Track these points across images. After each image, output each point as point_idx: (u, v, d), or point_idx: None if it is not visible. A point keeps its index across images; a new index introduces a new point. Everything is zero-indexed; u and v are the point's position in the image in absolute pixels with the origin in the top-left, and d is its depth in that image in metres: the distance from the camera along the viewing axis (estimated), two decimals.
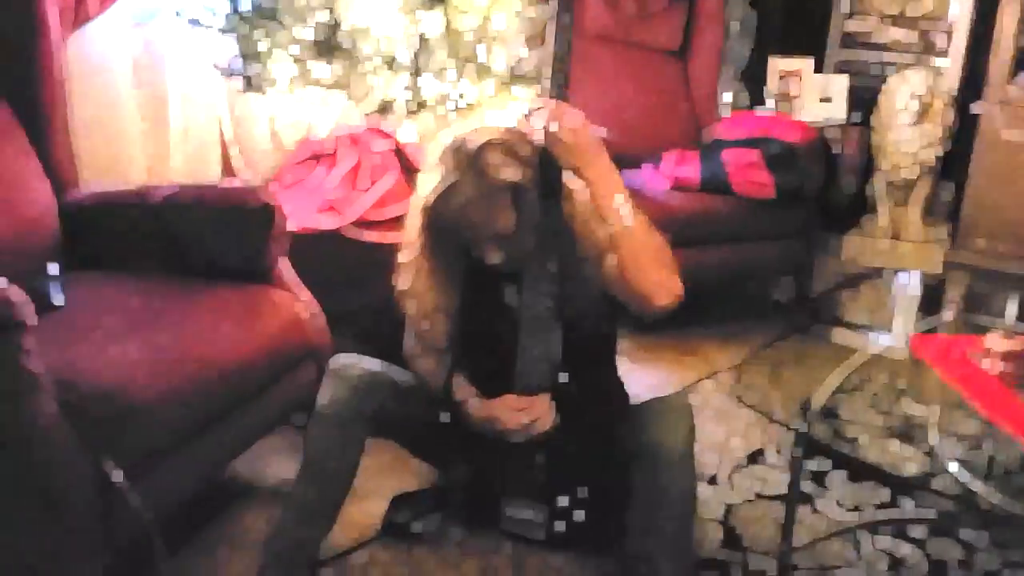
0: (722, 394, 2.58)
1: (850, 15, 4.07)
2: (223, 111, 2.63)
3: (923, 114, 3.57)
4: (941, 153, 3.60)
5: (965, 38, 3.79)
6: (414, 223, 1.70)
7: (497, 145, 1.59)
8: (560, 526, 1.71)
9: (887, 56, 3.99)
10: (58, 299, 1.70)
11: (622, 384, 1.89)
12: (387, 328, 1.86)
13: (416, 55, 2.10)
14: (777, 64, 3.81)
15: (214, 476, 1.86)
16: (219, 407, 1.65)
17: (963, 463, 1.66)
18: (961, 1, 3.79)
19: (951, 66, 3.82)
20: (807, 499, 2.03)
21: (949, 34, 3.85)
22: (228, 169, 2.68)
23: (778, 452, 2.25)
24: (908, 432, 1.90)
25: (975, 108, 3.64)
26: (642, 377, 2.60)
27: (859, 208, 3.90)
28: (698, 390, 2.59)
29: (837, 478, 2.12)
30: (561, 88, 1.53)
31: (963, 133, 3.65)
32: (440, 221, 1.64)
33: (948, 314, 2.49)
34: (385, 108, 2.14)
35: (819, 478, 2.11)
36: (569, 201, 1.66)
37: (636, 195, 2.78)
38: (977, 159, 3.67)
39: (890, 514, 2.00)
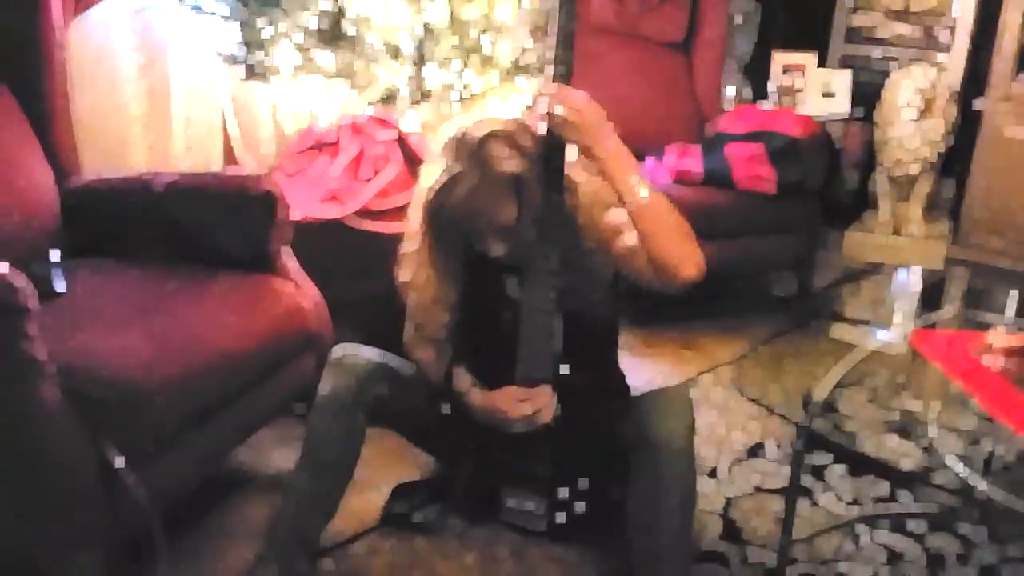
0: (722, 388, 2.59)
1: (854, 10, 4.06)
2: (225, 99, 2.62)
3: (926, 110, 3.57)
4: (943, 149, 3.60)
5: (969, 34, 3.79)
6: (417, 214, 1.69)
7: (500, 137, 1.59)
8: (560, 517, 1.72)
9: (890, 51, 3.99)
10: (59, 285, 1.70)
11: (623, 376, 1.89)
12: (388, 318, 1.86)
13: (420, 44, 2.09)
14: (780, 58, 3.81)
15: (216, 465, 1.86)
16: (221, 395, 1.65)
17: (962, 458, 1.66)
18: None
19: (954, 62, 3.81)
20: (806, 492, 2.04)
21: (952, 30, 3.85)
22: (230, 158, 2.68)
23: (778, 446, 2.25)
24: (907, 428, 1.90)
25: (978, 104, 3.64)
26: (643, 370, 2.60)
27: (861, 204, 3.91)
28: (698, 384, 2.60)
29: (836, 472, 2.12)
30: (563, 80, 1.53)
31: (965, 129, 3.66)
32: (442, 212, 1.64)
33: (948, 310, 2.50)
34: (389, 98, 2.13)
35: (818, 472, 2.12)
36: (572, 193, 1.66)
37: None
38: (979, 155, 3.68)
39: (889, 508, 2.01)
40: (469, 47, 2.14)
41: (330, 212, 2.25)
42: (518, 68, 2.30)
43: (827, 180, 3.06)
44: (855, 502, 2.02)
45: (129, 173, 2.20)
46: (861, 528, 1.93)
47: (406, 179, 2.31)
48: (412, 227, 1.71)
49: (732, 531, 1.90)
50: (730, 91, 3.78)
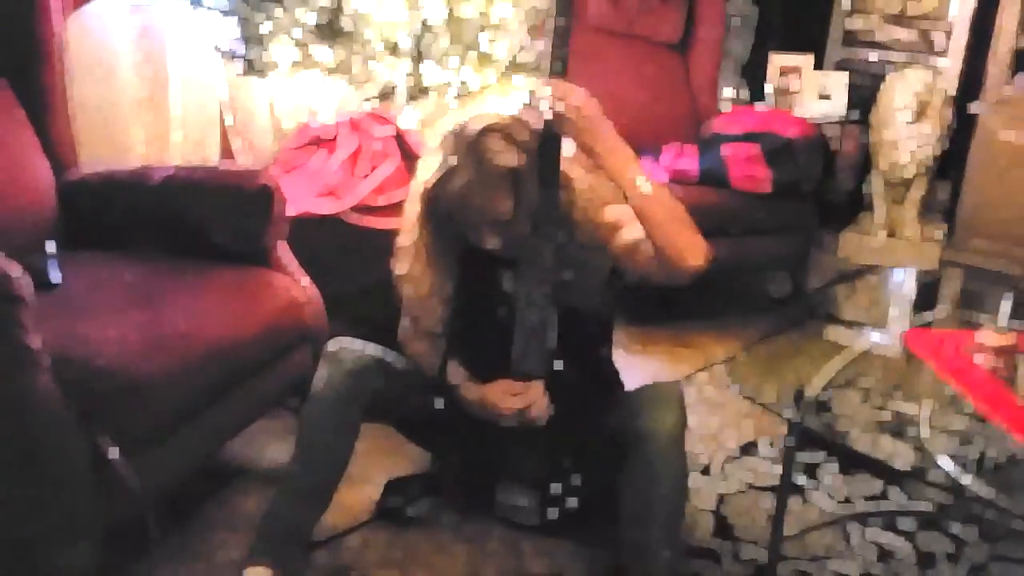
0: (716, 386, 2.60)
1: (851, 13, 4.08)
2: (223, 94, 2.63)
3: (921, 113, 3.58)
4: (938, 152, 3.62)
5: (965, 38, 3.81)
6: (413, 208, 1.70)
7: (496, 131, 1.60)
8: (553, 513, 1.72)
9: (887, 55, 4.00)
10: (55, 277, 1.70)
11: (617, 372, 1.90)
12: (384, 313, 1.86)
13: (418, 41, 2.10)
14: (777, 60, 3.82)
15: (209, 457, 1.87)
16: (216, 387, 1.65)
17: (954, 458, 1.67)
18: (961, 1, 3.79)
19: (950, 66, 3.83)
20: (798, 490, 2.04)
21: (949, 34, 3.87)
22: (228, 152, 2.68)
23: (771, 444, 2.26)
24: (899, 429, 1.91)
25: (973, 108, 3.65)
26: (637, 369, 2.60)
27: (856, 205, 3.92)
28: (693, 382, 2.61)
29: (828, 470, 2.13)
30: (560, 75, 1.54)
31: (960, 133, 3.67)
32: (439, 206, 1.65)
33: (942, 310, 2.51)
34: (386, 94, 2.14)
35: (811, 470, 2.13)
36: (568, 189, 1.66)
37: None
38: (974, 159, 3.69)
39: (880, 506, 2.02)
40: (467, 44, 2.15)
41: (327, 207, 2.25)
42: (516, 66, 2.30)
43: (822, 181, 3.07)
44: (847, 500, 2.03)
45: (126, 166, 2.21)
46: (852, 526, 1.94)
47: (403, 175, 2.31)
48: (409, 220, 1.72)
49: (724, 528, 1.91)
50: (727, 92, 3.80)
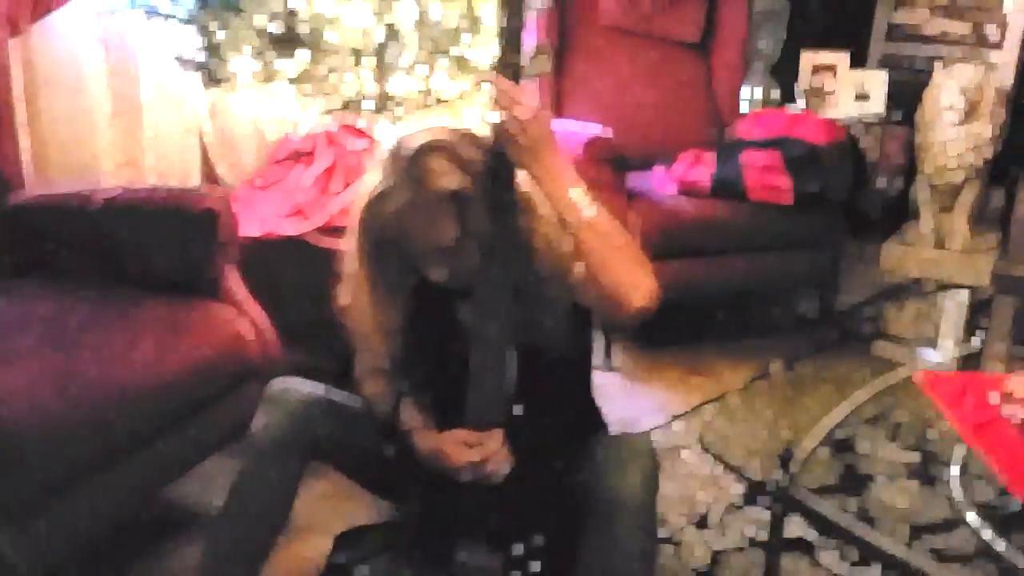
0: (725, 419, 2.36)
1: (896, 6, 3.80)
2: (201, 107, 2.50)
3: (971, 112, 3.27)
4: (990, 155, 3.30)
5: (1021, 30, 3.50)
6: (353, 230, 1.53)
7: (439, 149, 1.41)
8: None
9: (936, 49, 3.71)
10: None
11: (597, 414, 1.69)
12: (348, 344, 1.70)
13: (382, 47, 1.92)
14: (810, 58, 3.55)
15: (143, 505, 1.72)
16: (134, 434, 1.50)
17: (987, 507, 1.44)
18: None
19: (1005, 60, 3.52)
20: (807, 548, 1.80)
21: (1004, 26, 3.56)
22: (208, 168, 2.55)
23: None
24: (929, 474, 1.69)
25: None
26: (640, 398, 2.39)
27: (900, 214, 3.62)
28: (699, 414, 2.37)
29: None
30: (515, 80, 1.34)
31: (1017, 133, 3.35)
32: (377, 231, 1.46)
33: (992, 337, 2.27)
34: (350, 105, 1.97)
35: (823, 522, 1.88)
36: (529, 214, 1.47)
37: (640, 199, 2.61)
38: None
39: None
40: (438, 50, 1.96)
41: (291, 228, 2.10)
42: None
43: (852, 190, 2.80)
44: (862, 561, 1.78)
45: (90, 185, 2.09)
46: None
47: None
48: (349, 244, 1.55)
49: None
50: (756, 93, 3.55)
